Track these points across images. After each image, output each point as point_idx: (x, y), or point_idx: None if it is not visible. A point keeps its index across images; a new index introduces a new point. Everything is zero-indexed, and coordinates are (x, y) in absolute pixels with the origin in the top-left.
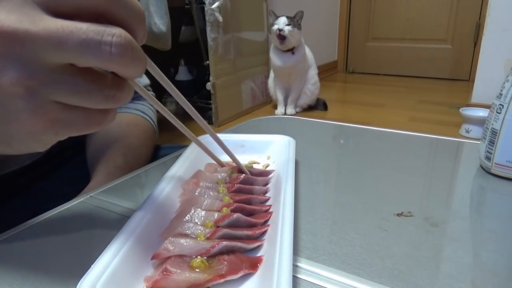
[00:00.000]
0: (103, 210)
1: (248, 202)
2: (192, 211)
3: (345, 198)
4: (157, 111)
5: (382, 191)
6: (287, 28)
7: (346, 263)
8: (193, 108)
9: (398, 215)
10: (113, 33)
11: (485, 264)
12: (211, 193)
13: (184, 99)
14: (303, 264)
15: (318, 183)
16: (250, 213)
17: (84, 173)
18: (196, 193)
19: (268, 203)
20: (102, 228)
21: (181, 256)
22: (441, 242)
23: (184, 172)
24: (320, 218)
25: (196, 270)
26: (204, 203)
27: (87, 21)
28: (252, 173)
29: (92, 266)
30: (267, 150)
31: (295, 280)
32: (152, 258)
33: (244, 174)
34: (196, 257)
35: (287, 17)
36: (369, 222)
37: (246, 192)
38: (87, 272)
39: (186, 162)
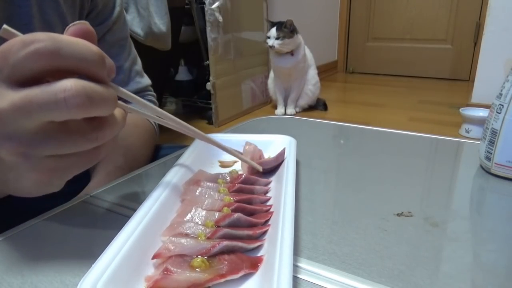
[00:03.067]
0: (103, 210)
1: (249, 202)
2: (193, 210)
3: (345, 198)
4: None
5: (382, 191)
6: (276, 43)
7: (346, 263)
8: (182, 122)
9: (398, 215)
10: (64, 88)
11: (485, 264)
12: (211, 192)
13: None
14: (303, 264)
15: (318, 183)
16: (250, 213)
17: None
18: (197, 193)
19: (269, 202)
20: (102, 228)
21: (181, 255)
22: (441, 242)
23: (185, 172)
24: (320, 218)
25: (197, 269)
26: (205, 202)
27: (48, 78)
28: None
29: (93, 265)
30: (267, 150)
31: (295, 280)
32: (153, 257)
33: (245, 174)
34: (197, 256)
35: (277, 29)
36: (369, 222)
37: (247, 192)
38: (88, 271)
39: (187, 161)
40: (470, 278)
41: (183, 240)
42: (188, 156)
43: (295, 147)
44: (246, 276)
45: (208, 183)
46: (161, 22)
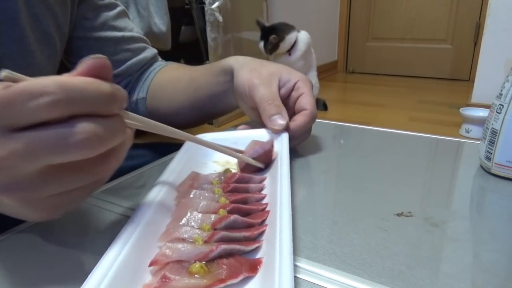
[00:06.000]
0: (103, 210)
1: (244, 201)
2: (189, 214)
3: (345, 198)
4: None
5: (382, 191)
6: (266, 50)
7: (346, 263)
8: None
9: (398, 215)
10: (77, 133)
11: (485, 264)
12: (206, 194)
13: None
14: (303, 264)
15: (318, 183)
16: (246, 213)
17: None
18: (192, 195)
19: (265, 199)
20: (102, 228)
21: (179, 261)
22: (441, 242)
23: (178, 174)
24: (320, 218)
25: (196, 275)
26: (200, 205)
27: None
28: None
29: (89, 275)
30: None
31: (295, 280)
32: (150, 264)
33: (238, 173)
34: (195, 262)
35: (264, 44)
36: (369, 222)
37: (242, 191)
38: (85, 282)
39: (180, 164)
40: (470, 278)
41: (180, 245)
42: (180, 158)
43: (287, 140)
44: (246, 280)
45: (202, 185)
46: (161, 22)
